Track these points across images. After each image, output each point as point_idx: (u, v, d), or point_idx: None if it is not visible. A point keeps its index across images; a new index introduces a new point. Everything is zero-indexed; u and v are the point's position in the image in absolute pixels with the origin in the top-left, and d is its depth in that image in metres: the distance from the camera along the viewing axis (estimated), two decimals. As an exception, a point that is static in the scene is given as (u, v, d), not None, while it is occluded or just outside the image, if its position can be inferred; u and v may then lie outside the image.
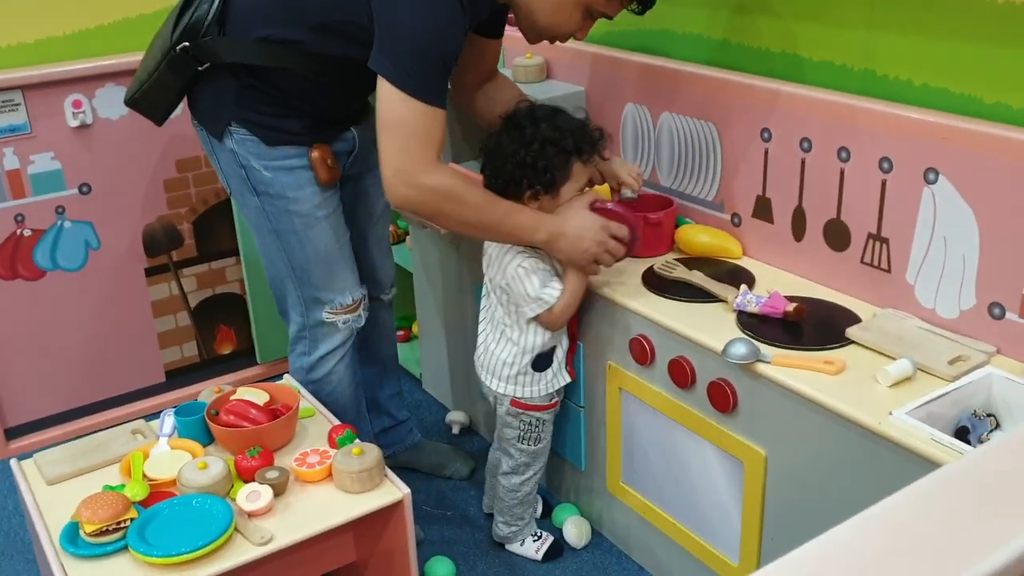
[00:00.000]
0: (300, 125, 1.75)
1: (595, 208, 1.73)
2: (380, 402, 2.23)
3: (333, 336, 1.92)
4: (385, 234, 2.09)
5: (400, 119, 1.56)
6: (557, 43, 1.80)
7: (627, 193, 1.88)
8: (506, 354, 1.83)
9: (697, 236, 1.95)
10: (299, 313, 1.91)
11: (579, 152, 1.71)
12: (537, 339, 1.80)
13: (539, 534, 2.02)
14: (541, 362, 1.83)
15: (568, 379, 1.89)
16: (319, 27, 1.64)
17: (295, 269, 1.85)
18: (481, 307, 1.92)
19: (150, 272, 2.54)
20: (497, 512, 2.02)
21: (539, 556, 2.00)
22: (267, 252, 1.89)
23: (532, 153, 1.67)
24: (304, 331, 1.93)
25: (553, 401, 1.91)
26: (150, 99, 1.78)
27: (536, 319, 1.77)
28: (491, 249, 1.81)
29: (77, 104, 2.32)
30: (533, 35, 1.74)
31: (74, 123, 2.32)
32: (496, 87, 1.98)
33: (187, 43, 1.67)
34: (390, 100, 1.56)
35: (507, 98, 1.90)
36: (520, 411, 1.88)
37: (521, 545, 2.01)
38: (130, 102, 1.81)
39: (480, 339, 1.91)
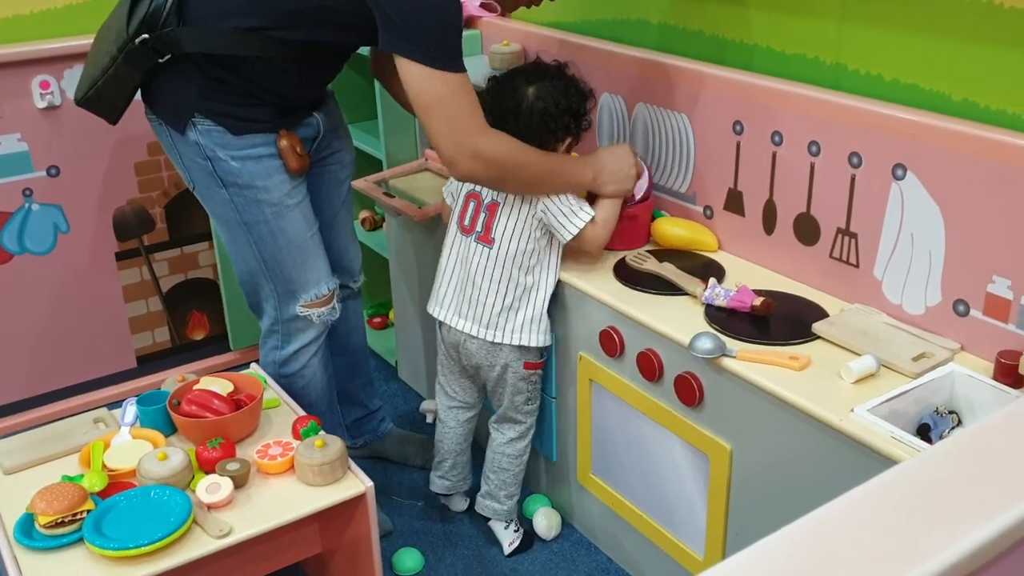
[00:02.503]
0: (266, 113, 1.73)
1: None
2: (351, 392, 2.22)
3: (307, 331, 1.89)
4: (350, 220, 2.07)
5: (441, 97, 1.56)
6: (534, 29, 1.79)
7: None
8: (524, 302, 1.80)
9: (672, 229, 1.94)
10: (273, 307, 1.88)
11: (591, 97, 1.82)
12: (551, 277, 1.82)
13: (517, 525, 2.02)
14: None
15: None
16: (292, 13, 1.61)
17: (267, 261, 1.82)
18: (477, 273, 1.82)
19: (121, 256, 2.51)
20: (497, 487, 1.96)
21: (509, 549, 1.99)
22: (236, 246, 1.84)
23: (574, 100, 1.76)
24: (277, 325, 1.90)
25: (544, 356, 1.91)
26: (105, 97, 1.72)
27: (580, 237, 1.76)
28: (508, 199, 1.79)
29: (45, 85, 2.28)
30: (509, 3, 1.79)
31: (42, 104, 2.28)
32: None
33: (147, 35, 1.62)
34: (425, 81, 1.55)
35: None
36: (530, 372, 1.87)
37: (505, 528, 1.99)
38: (83, 101, 1.75)
39: (479, 298, 1.82)
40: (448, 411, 2.01)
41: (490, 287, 1.81)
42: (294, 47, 1.65)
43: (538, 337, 1.83)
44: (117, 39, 1.66)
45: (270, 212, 1.77)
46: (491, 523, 2.01)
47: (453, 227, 1.88)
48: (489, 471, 1.98)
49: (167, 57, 1.66)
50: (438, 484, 2.06)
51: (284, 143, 1.74)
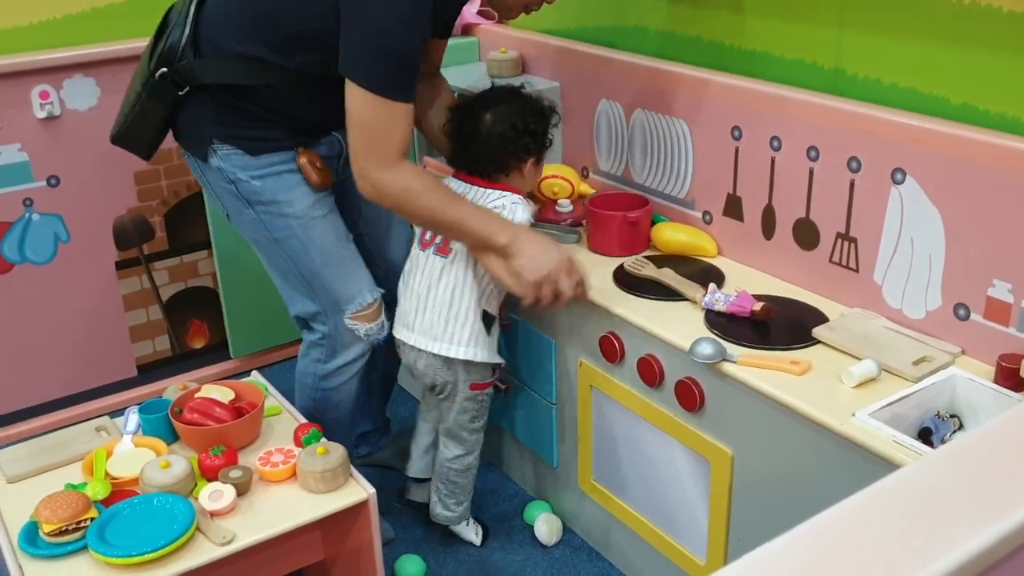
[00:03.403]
0: (281, 133, 1.75)
1: None
2: (370, 407, 2.20)
3: (353, 346, 1.86)
4: (400, 227, 2.02)
5: (366, 120, 1.58)
6: (531, 36, 1.79)
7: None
8: (474, 315, 1.78)
9: (672, 234, 1.94)
10: (321, 323, 1.85)
11: (552, 114, 1.82)
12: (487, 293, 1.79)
13: (469, 519, 2.04)
14: (487, 320, 1.82)
15: (502, 360, 1.89)
16: (295, 37, 1.63)
17: (305, 275, 1.81)
18: (432, 284, 1.80)
19: (121, 265, 2.51)
20: (447, 496, 1.97)
21: (479, 540, 2.02)
22: (275, 266, 1.84)
23: (531, 121, 1.76)
24: (324, 339, 1.87)
25: (496, 375, 1.91)
26: (135, 132, 1.77)
27: None
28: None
29: (44, 95, 2.28)
30: (507, 11, 1.78)
31: (41, 114, 2.29)
32: (433, 89, 1.92)
33: (165, 68, 1.68)
34: (359, 102, 1.58)
35: (441, 104, 1.89)
36: (476, 392, 1.87)
37: (467, 525, 2.02)
38: (115, 138, 1.81)
39: (430, 310, 1.79)
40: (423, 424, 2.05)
41: (440, 296, 1.78)
42: (298, 72, 1.67)
43: (484, 352, 1.81)
44: (141, 75, 1.72)
45: (297, 225, 1.77)
46: (453, 528, 2.02)
47: (414, 247, 1.87)
48: (439, 481, 1.97)
49: (186, 89, 1.70)
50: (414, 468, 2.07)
51: (303, 160, 1.75)
